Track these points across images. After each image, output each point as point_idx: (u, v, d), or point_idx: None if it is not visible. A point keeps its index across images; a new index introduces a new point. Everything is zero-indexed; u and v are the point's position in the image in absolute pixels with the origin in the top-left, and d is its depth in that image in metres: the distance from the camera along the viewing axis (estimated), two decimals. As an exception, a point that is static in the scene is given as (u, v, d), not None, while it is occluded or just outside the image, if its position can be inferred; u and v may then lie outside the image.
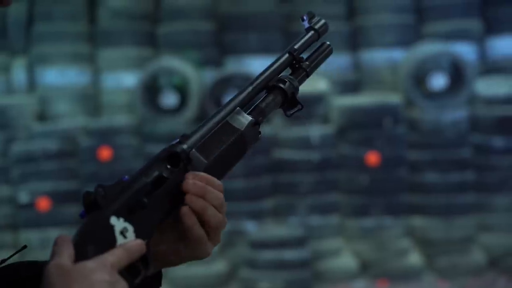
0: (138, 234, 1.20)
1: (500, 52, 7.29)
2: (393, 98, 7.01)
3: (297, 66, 1.49)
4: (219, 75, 7.06)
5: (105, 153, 6.80)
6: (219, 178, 1.31)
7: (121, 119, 7.08)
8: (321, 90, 6.86)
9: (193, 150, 1.29)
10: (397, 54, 7.26)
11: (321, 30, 1.54)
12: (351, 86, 7.37)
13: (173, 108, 7.00)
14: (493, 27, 7.31)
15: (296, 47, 1.49)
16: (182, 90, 6.99)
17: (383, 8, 7.35)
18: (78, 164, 6.90)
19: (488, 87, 7.04)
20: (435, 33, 7.24)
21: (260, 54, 7.18)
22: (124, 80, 7.26)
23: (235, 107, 1.37)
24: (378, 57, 7.33)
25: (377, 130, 6.84)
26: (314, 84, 6.69)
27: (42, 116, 7.23)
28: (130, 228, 1.19)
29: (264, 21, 7.25)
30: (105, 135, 6.88)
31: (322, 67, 1.61)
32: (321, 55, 1.54)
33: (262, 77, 1.44)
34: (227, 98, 7.91)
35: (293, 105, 1.45)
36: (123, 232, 1.18)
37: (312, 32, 1.53)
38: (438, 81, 7.00)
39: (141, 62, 7.22)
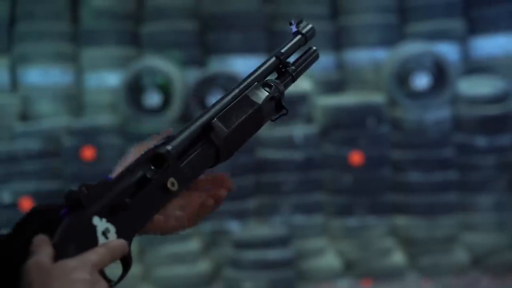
0: (120, 235, 1.19)
1: (482, 51, 7.32)
2: (377, 98, 7.02)
3: (283, 70, 1.50)
4: (202, 75, 7.04)
5: (88, 153, 6.77)
6: (236, 147, 1.40)
7: (104, 119, 7.05)
8: (304, 90, 6.86)
9: (215, 119, 1.34)
10: (380, 54, 7.27)
11: (308, 34, 1.55)
12: (334, 85, 7.38)
13: (157, 108, 6.97)
14: (475, 27, 7.33)
15: (283, 51, 1.50)
16: (166, 90, 6.97)
17: (366, 8, 7.36)
18: (61, 164, 6.86)
19: (471, 86, 7.07)
20: (418, 33, 7.26)
21: (244, 54, 7.17)
22: (107, 79, 7.23)
23: (219, 111, 1.38)
24: (361, 57, 7.34)
25: (360, 130, 6.85)
26: (298, 83, 6.67)
27: (24, 116, 7.18)
28: (112, 229, 1.18)
29: (248, 20, 7.23)
30: (88, 135, 6.84)
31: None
32: (308, 60, 1.55)
33: (249, 80, 1.44)
34: (210, 98, 7.81)
35: (278, 109, 1.47)
36: (105, 233, 1.17)
37: (299, 36, 1.54)
38: (421, 80, 7.02)
39: (124, 61, 7.19)
